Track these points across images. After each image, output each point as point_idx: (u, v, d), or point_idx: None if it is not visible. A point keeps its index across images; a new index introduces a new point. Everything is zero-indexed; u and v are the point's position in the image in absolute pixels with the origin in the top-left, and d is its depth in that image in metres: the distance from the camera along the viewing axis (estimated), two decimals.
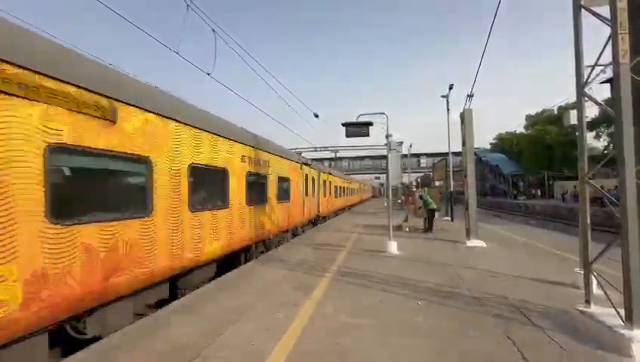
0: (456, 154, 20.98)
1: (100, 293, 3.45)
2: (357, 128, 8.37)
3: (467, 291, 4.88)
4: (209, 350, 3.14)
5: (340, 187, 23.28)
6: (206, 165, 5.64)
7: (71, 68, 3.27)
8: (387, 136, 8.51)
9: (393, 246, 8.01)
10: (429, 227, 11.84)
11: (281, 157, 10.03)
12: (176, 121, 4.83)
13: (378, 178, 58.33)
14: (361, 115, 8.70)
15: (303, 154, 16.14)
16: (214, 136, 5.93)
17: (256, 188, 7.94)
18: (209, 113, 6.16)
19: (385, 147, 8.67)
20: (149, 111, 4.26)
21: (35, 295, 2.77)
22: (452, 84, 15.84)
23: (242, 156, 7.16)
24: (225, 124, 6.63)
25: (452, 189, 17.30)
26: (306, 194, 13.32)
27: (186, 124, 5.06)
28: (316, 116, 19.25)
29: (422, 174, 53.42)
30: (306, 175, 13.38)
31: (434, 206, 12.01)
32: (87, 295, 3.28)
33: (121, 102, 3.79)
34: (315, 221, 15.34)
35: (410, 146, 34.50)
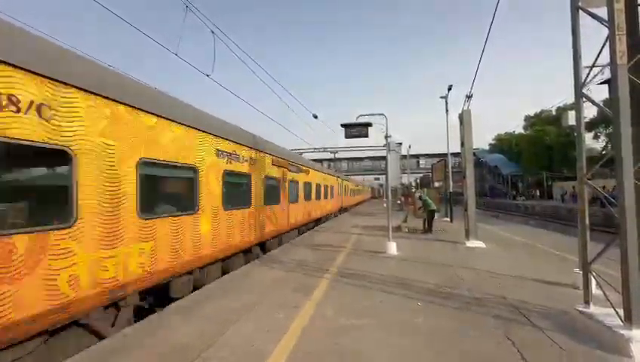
0: (455, 154, 21.04)
1: (297, 222, 11.98)
2: (356, 129, 8.38)
3: (467, 292, 4.89)
4: (209, 351, 3.13)
5: (352, 189, 33.88)
6: (318, 183, 15.57)
7: (312, 164, 15.65)
8: (386, 137, 8.53)
9: (392, 247, 8.02)
10: (428, 228, 11.85)
11: (331, 175, 20.33)
12: (316, 170, 15.45)
13: (377, 179, 58.37)
14: (361, 115, 8.72)
15: (302, 155, 16.62)
16: (317, 171, 15.53)
17: (324, 191, 17.43)
18: (315, 162, 17.41)
19: (384, 148, 8.68)
20: (312, 168, 14.56)
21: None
22: (451, 85, 15.86)
23: (321, 177, 16.66)
24: (321, 167, 17.79)
25: (451, 190, 17.31)
26: (338, 194, 23.45)
27: (316, 170, 15.55)
28: (315, 117, 19.30)
29: (421, 175, 53.52)
30: (339, 184, 23.99)
31: (433, 206, 12.01)
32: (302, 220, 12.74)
33: (308, 166, 13.83)
34: (341, 210, 24.73)
35: (410, 147, 34.60)
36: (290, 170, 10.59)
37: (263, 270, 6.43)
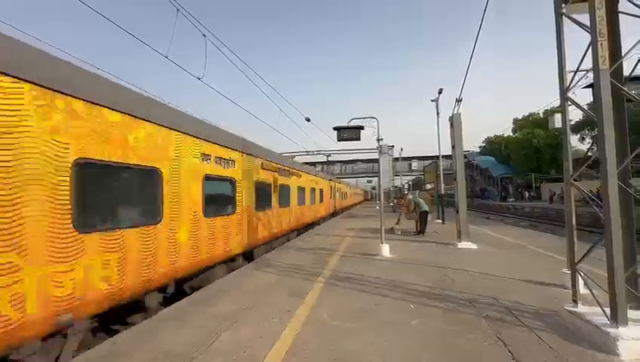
0: (447, 157, 21.33)
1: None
2: (348, 132, 8.43)
3: (459, 293, 4.93)
4: (201, 358, 3.09)
5: (353, 193, 44.37)
6: (345, 192, 34.54)
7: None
8: (378, 140, 8.59)
9: (386, 250, 8.05)
10: (421, 229, 11.94)
11: (345, 184, 35.69)
12: (337, 181, 28.18)
13: (370, 181, 58.70)
14: (353, 118, 8.78)
15: (295, 158, 16.51)
16: (344, 184, 33.93)
17: (350, 197, 38.51)
18: (338, 178, 32.32)
19: (376, 150, 8.74)
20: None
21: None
22: (441, 89, 16.09)
23: (338, 185, 28.94)
24: (346, 182, 39.52)
25: (443, 192, 17.49)
26: (346, 198, 32.84)
27: (340, 182, 30.79)
28: (307, 120, 19.32)
29: (413, 177, 54.00)
30: (352, 191, 40.12)
31: (426, 208, 12.11)
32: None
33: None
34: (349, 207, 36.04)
35: (402, 150, 34.88)
36: None
37: (257, 274, 6.37)
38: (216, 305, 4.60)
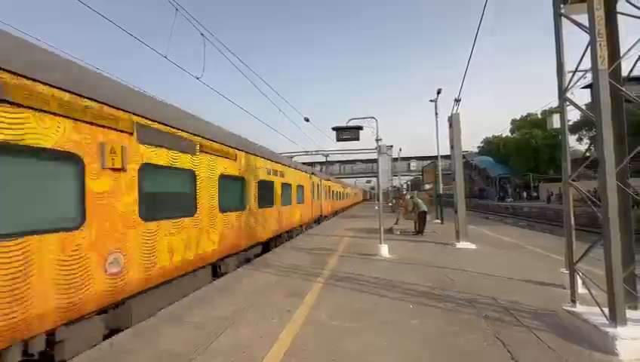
0: (445, 157, 21.37)
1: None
2: (347, 133, 8.43)
3: (458, 293, 4.93)
4: (200, 358, 3.08)
5: (355, 193, 48.44)
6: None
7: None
8: (377, 140, 8.60)
9: (384, 250, 8.05)
10: (419, 229, 11.95)
11: (353, 186, 49.21)
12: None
13: (369, 181, 58.76)
14: (352, 119, 8.78)
15: (294, 158, 16.58)
16: (354, 187, 51.99)
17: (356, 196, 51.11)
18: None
19: (374, 150, 8.75)
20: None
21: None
22: (440, 89, 16.15)
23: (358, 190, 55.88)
24: (353, 185, 53.13)
25: (441, 192, 17.52)
26: (356, 197, 47.46)
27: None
28: (306, 120, 19.34)
29: (412, 177, 54.13)
30: (354, 191, 47.25)
31: (424, 208, 12.12)
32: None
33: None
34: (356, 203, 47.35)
35: (400, 150, 34.98)
36: None
37: (256, 274, 6.36)
38: (216, 305, 4.59)
